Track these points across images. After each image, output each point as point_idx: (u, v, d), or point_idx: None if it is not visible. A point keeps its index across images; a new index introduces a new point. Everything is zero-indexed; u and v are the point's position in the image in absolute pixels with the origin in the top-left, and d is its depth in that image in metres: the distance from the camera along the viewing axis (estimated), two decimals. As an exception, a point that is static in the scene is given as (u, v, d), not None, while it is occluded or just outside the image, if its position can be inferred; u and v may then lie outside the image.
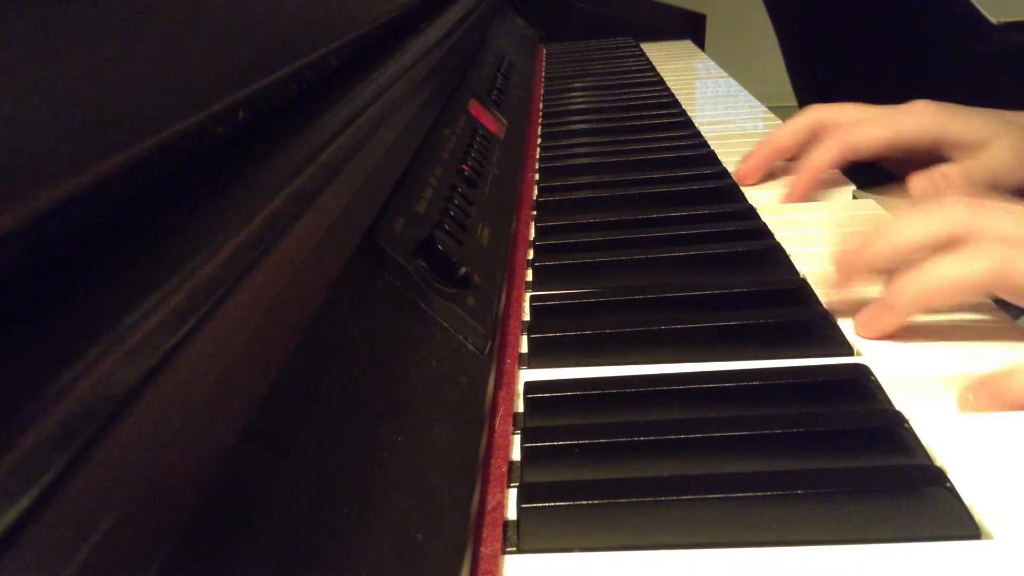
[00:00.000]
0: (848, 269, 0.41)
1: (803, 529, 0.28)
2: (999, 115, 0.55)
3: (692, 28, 1.37)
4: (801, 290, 0.43)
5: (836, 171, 0.62)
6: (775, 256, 0.49)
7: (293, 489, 0.23)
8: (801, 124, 0.60)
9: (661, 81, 0.99)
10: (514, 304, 0.45)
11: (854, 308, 0.41)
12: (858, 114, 0.58)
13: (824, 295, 0.42)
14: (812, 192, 0.60)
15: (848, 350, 0.38)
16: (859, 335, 0.40)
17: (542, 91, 1.02)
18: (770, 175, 0.64)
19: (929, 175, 0.52)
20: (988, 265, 0.36)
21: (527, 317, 0.45)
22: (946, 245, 0.37)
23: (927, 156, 0.55)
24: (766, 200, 0.59)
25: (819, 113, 0.60)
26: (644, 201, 0.60)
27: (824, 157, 0.57)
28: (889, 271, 0.40)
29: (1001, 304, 0.41)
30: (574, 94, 0.99)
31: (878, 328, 0.39)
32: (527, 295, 0.47)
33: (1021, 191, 0.52)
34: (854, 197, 0.59)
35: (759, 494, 0.28)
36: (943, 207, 0.39)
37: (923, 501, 0.28)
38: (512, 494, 0.30)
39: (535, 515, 0.29)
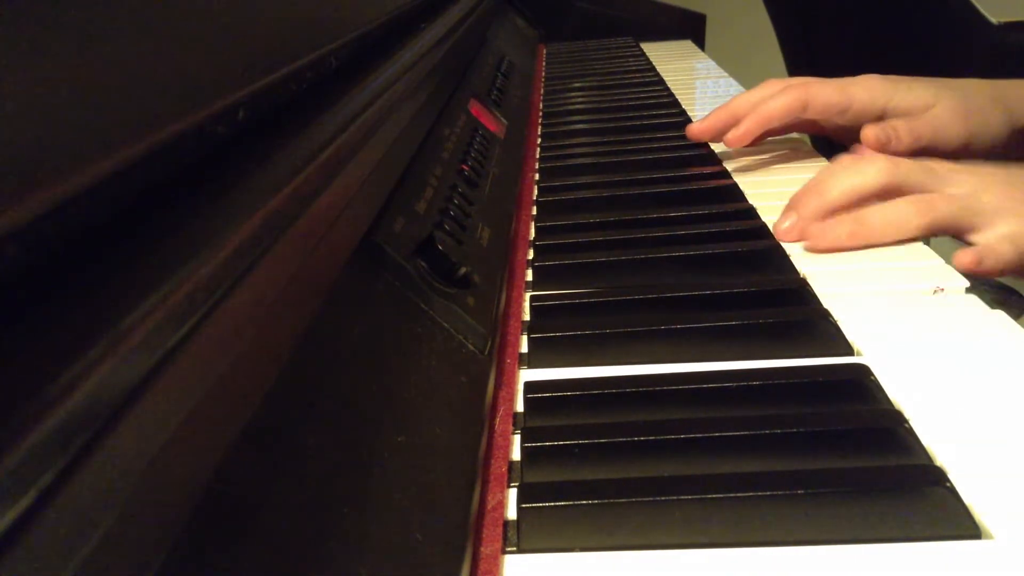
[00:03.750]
0: (808, 213, 0.51)
1: (803, 529, 0.28)
2: (942, 82, 0.61)
3: (692, 28, 1.37)
4: (801, 290, 0.44)
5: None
6: (775, 256, 0.49)
7: (293, 489, 0.23)
8: (763, 91, 0.66)
9: (661, 81, 0.99)
10: (514, 304, 0.45)
11: (855, 308, 0.41)
12: (814, 79, 0.64)
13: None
14: (758, 141, 0.67)
15: (848, 350, 0.38)
16: (809, 246, 0.50)
17: (542, 91, 1.02)
18: (766, 172, 0.64)
19: (881, 126, 0.58)
20: (916, 213, 0.48)
21: (527, 317, 0.45)
22: (881, 192, 0.50)
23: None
24: (766, 200, 0.59)
25: (782, 81, 0.66)
26: (644, 201, 0.60)
27: (775, 105, 0.63)
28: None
29: (1001, 304, 0.41)
30: (574, 94, 0.99)
31: (830, 242, 0.49)
32: (527, 295, 0.47)
33: (956, 151, 0.59)
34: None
35: (759, 494, 0.28)
36: (873, 162, 0.51)
37: (923, 501, 0.28)
38: (512, 494, 0.30)
39: (535, 515, 0.29)
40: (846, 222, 0.49)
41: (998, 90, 0.61)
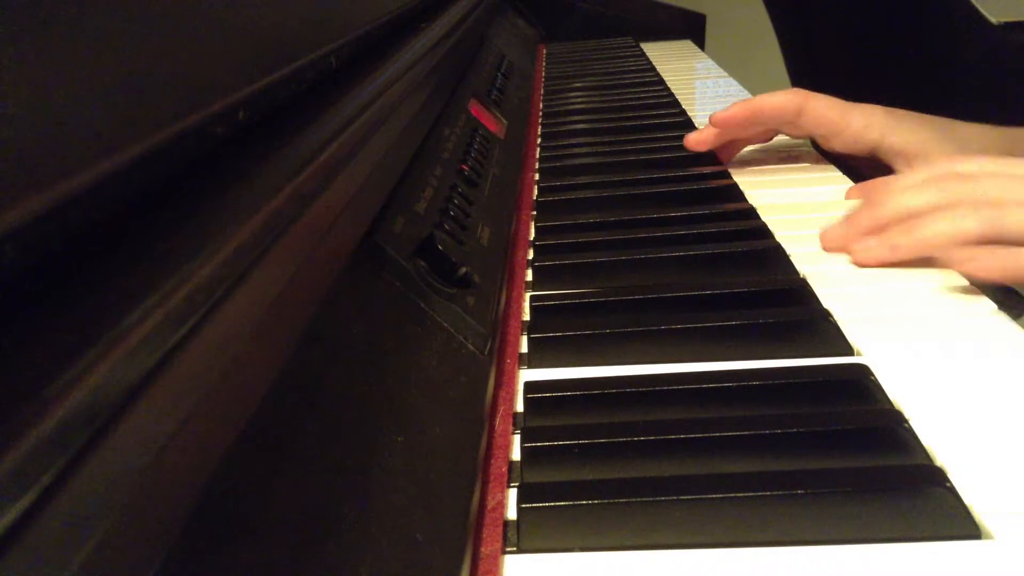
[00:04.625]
0: (856, 230, 0.48)
1: (803, 529, 0.28)
2: (945, 127, 0.59)
3: (692, 28, 1.37)
4: (801, 290, 0.44)
5: (837, 171, 0.63)
6: (775, 256, 0.49)
7: (293, 489, 0.23)
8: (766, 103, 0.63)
9: (661, 81, 0.99)
10: (514, 304, 0.45)
11: (855, 308, 0.41)
12: (817, 94, 0.62)
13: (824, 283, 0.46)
14: (744, 140, 0.66)
15: (848, 350, 0.38)
16: (855, 260, 0.47)
17: (542, 91, 1.02)
18: (766, 172, 0.64)
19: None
20: (977, 223, 0.43)
21: (527, 317, 0.45)
22: (941, 208, 0.45)
23: (869, 158, 0.60)
24: (766, 200, 0.59)
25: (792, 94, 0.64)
26: (644, 201, 0.60)
27: (772, 99, 0.62)
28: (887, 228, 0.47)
29: (1001, 304, 0.41)
30: (574, 94, 0.99)
31: (874, 256, 0.46)
32: (527, 295, 0.47)
33: None
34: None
35: (759, 494, 0.28)
36: (941, 179, 0.47)
37: (923, 501, 0.28)
38: (512, 494, 0.30)
39: (535, 515, 0.29)
40: (894, 233, 0.46)
41: (1003, 138, 0.59)
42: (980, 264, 0.42)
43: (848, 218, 0.50)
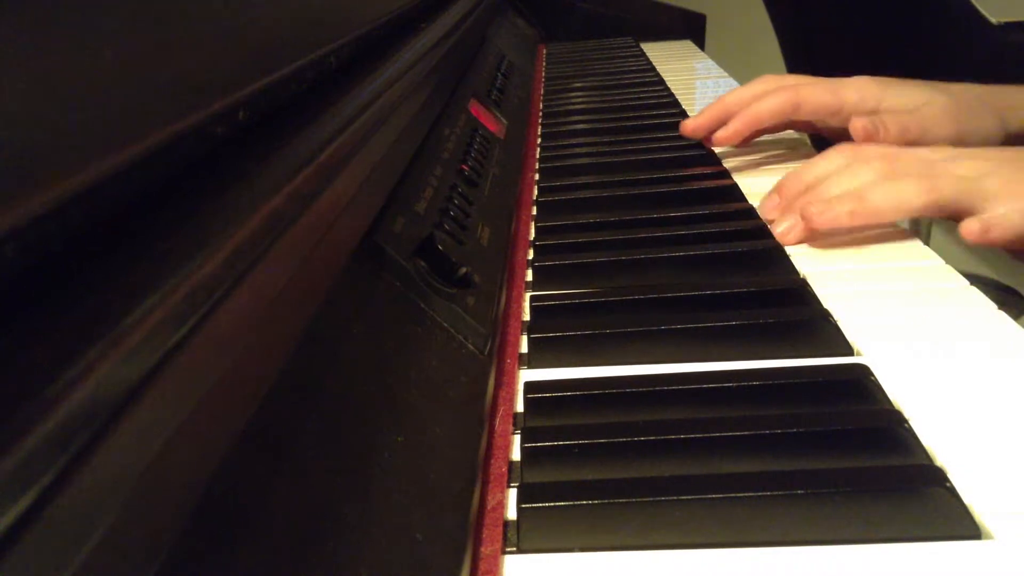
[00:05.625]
0: (782, 201, 0.53)
1: (803, 529, 0.28)
2: (934, 85, 0.61)
3: (692, 28, 1.37)
4: (801, 290, 0.44)
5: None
6: (775, 256, 0.49)
7: (293, 489, 0.23)
8: (756, 88, 0.66)
9: (661, 81, 0.99)
10: (514, 304, 0.45)
11: (855, 308, 0.41)
12: (806, 80, 0.65)
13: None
14: (747, 140, 0.67)
15: (848, 350, 0.38)
16: (813, 223, 0.49)
17: (542, 91, 1.02)
18: (767, 172, 0.64)
19: (869, 118, 0.58)
20: (873, 172, 0.49)
21: (527, 317, 0.45)
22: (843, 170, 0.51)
23: None
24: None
25: (776, 78, 0.66)
26: (644, 201, 0.60)
27: (766, 106, 0.64)
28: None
29: (1001, 304, 0.41)
30: (574, 94, 0.99)
31: (829, 220, 0.49)
32: (527, 295, 0.47)
33: None
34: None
35: (759, 494, 0.28)
36: (833, 154, 0.53)
37: (923, 501, 0.28)
38: (512, 494, 0.30)
39: (535, 515, 0.29)
40: (846, 200, 0.48)
41: (992, 95, 0.61)
42: (829, 214, 0.48)
43: (774, 188, 0.55)
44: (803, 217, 0.49)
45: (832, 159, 0.53)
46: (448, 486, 0.28)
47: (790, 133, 0.72)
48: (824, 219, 0.48)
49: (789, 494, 0.28)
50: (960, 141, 0.58)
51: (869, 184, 0.49)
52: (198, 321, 0.18)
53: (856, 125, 0.58)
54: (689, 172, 0.65)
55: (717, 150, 0.69)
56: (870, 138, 0.57)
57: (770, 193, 0.55)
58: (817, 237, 0.50)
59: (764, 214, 0.54)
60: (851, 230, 0.49)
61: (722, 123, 0.67)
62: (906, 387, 0.34)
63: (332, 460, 0.25)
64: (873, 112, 0.60)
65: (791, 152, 0.69)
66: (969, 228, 0.45)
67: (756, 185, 0.61)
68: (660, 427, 0.32)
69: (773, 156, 0.68)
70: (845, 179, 0.50)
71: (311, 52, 0.34)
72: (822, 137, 0.68)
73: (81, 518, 0.14)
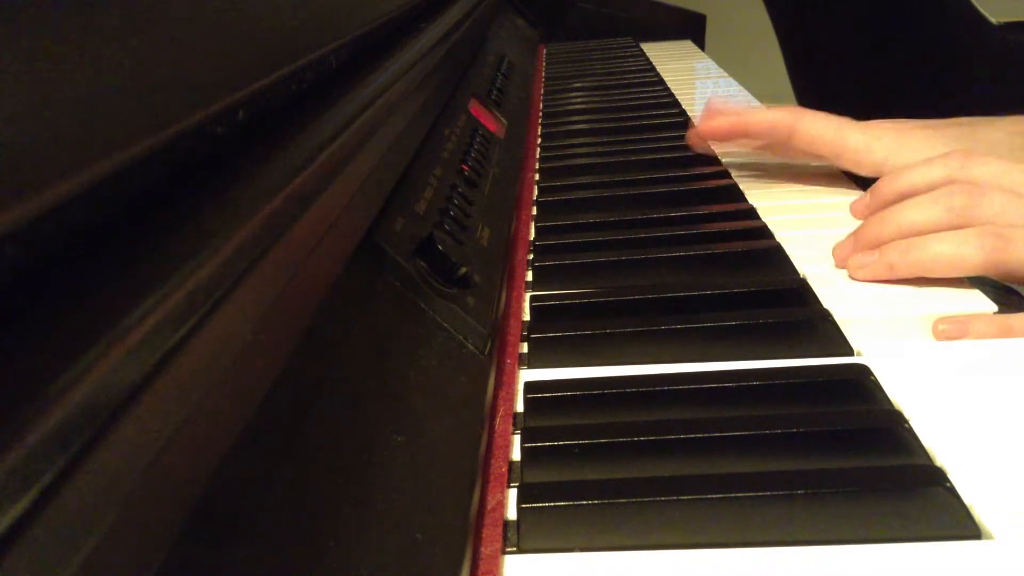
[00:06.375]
0: (861, 243, 0.46)
1: (803, 529, 0.28)
2: (959, 139, 0.54)
3: (692, 28, 1.37)
4: (801, 290, 0.44)
5: (839, 172, 0.62)
6: (775, 256, 0.49)
7: (293, 489, 0.23)
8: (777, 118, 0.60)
9: (661, 81, 0.99)
10: (514, 304, 0.45)
11: (855, 308, 0.41)
12: (820, 116, 0.58)
13: (827, 286, 0.45)
14: (723, 139, 0.64)
15: (848, 350, 0.38)
16: (851, 275, 0.45)
17: (542, 91, 1.02)
18: (767, 172, 0.64)
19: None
20: (980, 252, 0.41)
21: (527, 317, 0.45)
22: (947, 228, 0.43)
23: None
24: (766, 200, 0.59)
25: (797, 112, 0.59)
26: (644, 201, 0.60)
27: (763, 114, 0.59)
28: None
29: (1001, 305, 0.41)
30: (574, 94, 0.99)
31: (869, 274, 0.45)
32: (527, 295, 0.47)
33: None
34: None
35: (759, 494, 0.28)
36: (950, 193, 0.44)
37: (923, 501, 0.28)
38: (512, 494, 0.30)
39: (535, 515, 0.29)
40: (891, 251, 0.44)
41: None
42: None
43: (855, 232, 0.48)
44: (887, 265, 0.44)
45: (928, 207, 0.44)
46: (448, 486, 0.28)
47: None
48: (862, 273, 0.44)
49: (789, 494, 0.28)
50: None
51: (972, 267, 0.42)
52: (198, 321, 0.18)
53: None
54: (689, 172, 0.65)
55: (717, 150, 0.69)
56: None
57: (852, 235, 0.48)
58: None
59: (837, 260, 0.47)
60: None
61: (731, 138, 0.63)
62: (906, 387, 0.34)
63: (332, 460, 0.25)
64: (878, 169, 0.55)
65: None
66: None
67: (756, 185, 0.61)
68: (660, 427, 0.32)
69: (774, 156, 0.68)
70: (945, 248, 0.42)
71: (311, 52, 0.34)
72: None
73: (81, 518, 0.14)
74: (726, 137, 0.64)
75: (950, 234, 0.43)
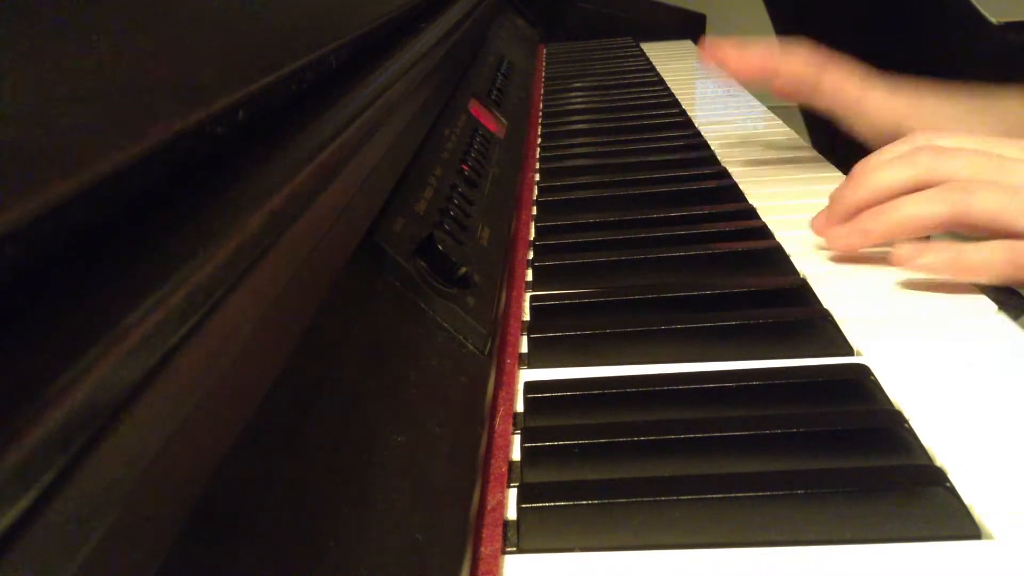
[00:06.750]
0: (836, 213, 0.48)
1: (803, 529, 0.28)
2: (973, 106, 0.57)
3: (692, 28, 1.37)
4: (801, 290, 0.44)
5: (837, 171, 0.62)
6: (775, 256, 0.49)
7: (293, 489, 0.23)
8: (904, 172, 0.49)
9: (661, 81, 0.99)
10: (514, 304, 0.45)
11: (855, 308, 0.41)
12: (835, 66, 0.59)
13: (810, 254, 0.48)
14: (747, 76, 0.64)
15: (848, 350, 0.38)
16: (829, 246, 0.48)
17: (542, 91, 1.02)
18: (766, 173, 0.64)
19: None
20: (944, 206, 0.43)
21: (527, 317, 0.45)
22: (914, 188, 0.45)
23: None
24: (766, 200, 0.59)
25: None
26: (644, 201, 0.60)
27: (790, 65, 0.60)
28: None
29: (1001, 305, 0.41)
30: (574, 94, 0.99)
31: (846, 244, 0.47)
32: (527, 295, 0.47)
33: None
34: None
35: (759, 494, 0.28)
36: (916, 153, 0.46)
37: (923, 501, 0.28)
38: (512, 494, 0.30)
39: (535, 515, 0.29)
40: (864, 218, 0.46)
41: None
42: (927, 261, 0.42)
43: (830, 202, 0.49)
44: (896, 258, 0.43)
45: (895, 169, 0.46)
46: (448, 486, 0.28)
47: (790, 133, 0.73)
48: (919, 266, 0.43)
49: (789, 494, 0.28)
50: None
51: (939, 222, 0.43)
52: (198, 321, 0.18)
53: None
54: (689, 172, 0.65)
55: (717, 150, 0.69)
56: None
57: (828, 206, 0.49)
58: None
59: (815, 230, 0.49)
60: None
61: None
62: (906, 387, 0.34)
63: (332, 460, 0.25)
64: (894, 131, 0.54)
65: (792, 152, 0.69)
66: None
67: (756, 185, 0.61)
68: (660, 427, 0.32)
69: (774, 157, 0.68)
70: (912, 208, 0.44)
71: (311, 52, 0.34)
72: (822, 137, 0.67)
73: (81, 518, 0.14)
74: (751, 75, 0.64)
75: (918, 194, 0.44)
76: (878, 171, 0.47)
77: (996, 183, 0.43)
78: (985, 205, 0.42)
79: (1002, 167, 0.43)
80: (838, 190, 0.49)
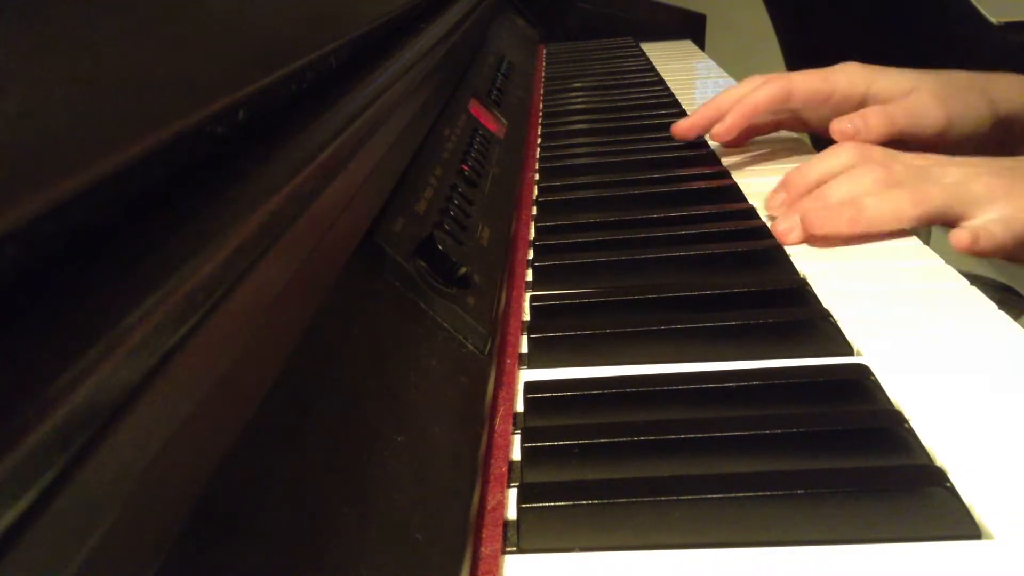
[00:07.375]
0: (788, 198, 0.54)
1: (803, 529, 0.28)
2: (923, 71, 0.61)
3: (692, 28, 1.37)
4: (801, 290, 0.44)
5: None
6: (775, 256, 0.49)
7: (293, 489, 0.23)
8: (746, 86, 0.66)
9: (661, 81, 0.99)
10: (514, 304, 0.45)
11: (855, 308, 0.41)
12: (797, 72, 0.65)
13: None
14: (746, 134, 0.68)
15: (848, 350, 0.38)
16: (776, 236, 0.51)
17: (542, 91, 1.02)
18: (767, 173, 0.64)
19: (850, 117, 0.59)
20: (873, 177, 0.50)
21: (527, 317, 0.45)
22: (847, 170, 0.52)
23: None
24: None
25: (763, 76, 0.66)
26: (644, 201, 0.60)
27: (759, 95, 0.64)
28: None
29: (1001, 304, 0.41)
30: (574, 94, 0.99)
31: (787, 230, 0.50)
32: (527, 295, 0.47)
33: (936, 137, 0.59)
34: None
35: (759, 494, 0.28)
36: (838, 152, 0.54)
37: (923, 501, 0.28)
38: (512, 494, 0.30)
39: (535, 515, 0.29)
40: (846, 208, 0.49)
41: (981, 80, 0.61)
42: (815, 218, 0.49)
43: (780, 184, 0.55)
44: (803, 221, 0.50)
45: (838, 156, 0.53)
46: (448, 486, 0.28)
47: (789, 133, 0.73)
48: (823, 226, 0.49)
49: (789, 494, 0.28)
50: (950, 126, 0.58)
51: (867, 192, 0.50)
52: (198, 321, 0.18)
53: (836, 128, 0.59)
54: (689, 172, 0.65)
55: (716, 150, 0.69)
56: (853, 138, 0.57)
57: (776, 189, 0.55)
58: (816, 239, 0.50)
59: (769, 210, 0.55)
60: (848, 238, 0.49)
61: (713, 122, 0.67)
62: (906, 387, 0.34)
63: (332, 460, 0.25)
64: (863, 97, 0.61)
65: (791, 152, 0.69)
66: (959, 238, 0.46)
67: (756, 185, 0.61)
68: (660, 427, 0.32)
69: (773, 156, 0.68)
70: (846, 184, 0.51)
71: (311, 52, 0.34)
72: (820, 138, 0.67)
73: (81, 518, 0.14)
74: (744, 137, 0.68)
75: (884, 192, 0.50)
76: (820, 159, 0.54)
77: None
78: (904, 167, 0.51)
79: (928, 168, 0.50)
80: (784, 179, 0.56)
